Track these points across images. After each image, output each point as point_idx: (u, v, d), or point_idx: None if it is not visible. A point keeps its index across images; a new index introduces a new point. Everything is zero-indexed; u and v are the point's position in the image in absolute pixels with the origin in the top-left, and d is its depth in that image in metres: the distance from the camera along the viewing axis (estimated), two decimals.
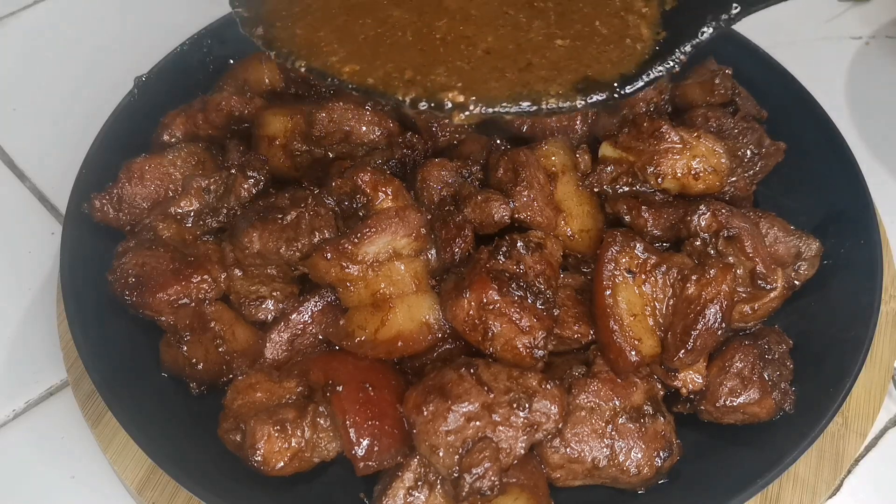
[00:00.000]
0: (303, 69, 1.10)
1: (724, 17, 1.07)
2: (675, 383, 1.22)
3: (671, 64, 1.07)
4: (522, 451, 1.12)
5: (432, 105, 1.03)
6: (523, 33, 1.09)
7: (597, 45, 1.08)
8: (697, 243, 1.25)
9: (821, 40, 2.02)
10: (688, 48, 1.07)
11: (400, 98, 1.04)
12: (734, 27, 1.61)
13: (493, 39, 1.08)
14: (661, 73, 1.06)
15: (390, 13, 1.13)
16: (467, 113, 1.03)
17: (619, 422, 1.17)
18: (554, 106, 1.03)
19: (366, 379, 1.17)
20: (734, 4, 1.07)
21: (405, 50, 1.09)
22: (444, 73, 1.05)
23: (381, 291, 1.22)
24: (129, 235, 1.35)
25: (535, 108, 1.03)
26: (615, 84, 1.05)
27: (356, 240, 1.20)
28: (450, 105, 1.03)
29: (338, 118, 1.37)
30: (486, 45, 1.08)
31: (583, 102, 1.04)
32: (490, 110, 1.03)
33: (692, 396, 1.23)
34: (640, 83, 1.06)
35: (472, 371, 1.13)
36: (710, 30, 1.07)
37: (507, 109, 1.03)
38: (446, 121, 1.20)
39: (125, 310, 1.28)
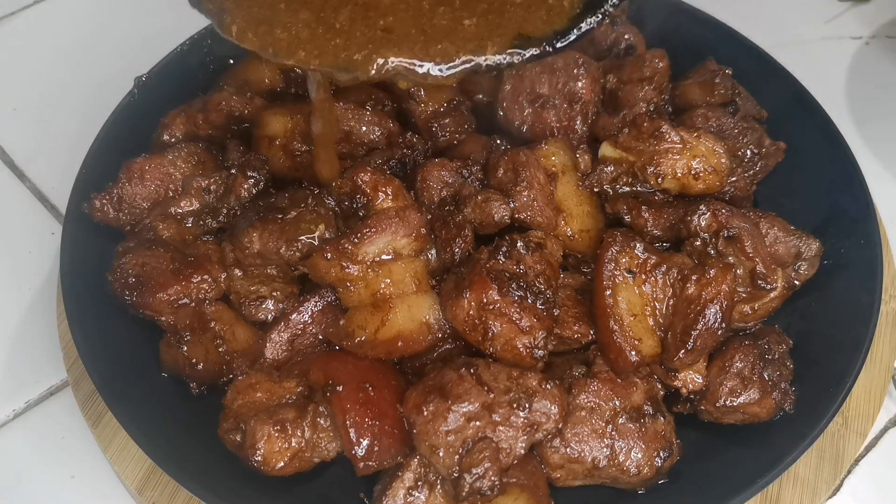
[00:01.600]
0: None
1: None
2: (675, 383, 1.22)
3: (600, 16, 1.10)
4: (522, 451, 1.12)
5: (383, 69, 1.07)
6: (426, 19, 1.10)
7: (513, 12, 1.11)
8: (697, 243, 1.25)
9: (821, 40, 2.02)
10: (616, 0, 1.11)
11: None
12: (734, 27, 1.62)
13: (394, 20, 1.10)
14: (591, 26, 1.10)
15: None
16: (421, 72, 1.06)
17: (619, 422, 1.17)
18: (492, 62, 1.07)
19: (366, 379, 1.17)
20: None
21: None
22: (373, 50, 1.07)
23: (382, 291, 1.22)
24: (129, 235, 1.35)
25: (473, 64, 1.07)
26: (546, 40, 1.09)
27: (356, 240, 1.20)
28: (392, 63, 1.06)
29: (338, 118, 1.37)
30: (385, 24, 1.09)
31: (520, 57, 1.08)
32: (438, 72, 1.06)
33: (692, 396, 1.23)
34: (573, 36, 1.10)
35: (472, 371, 1.13)
36: None
37: (454, 70, 1.07)
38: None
39: (125, 310, 1.28)
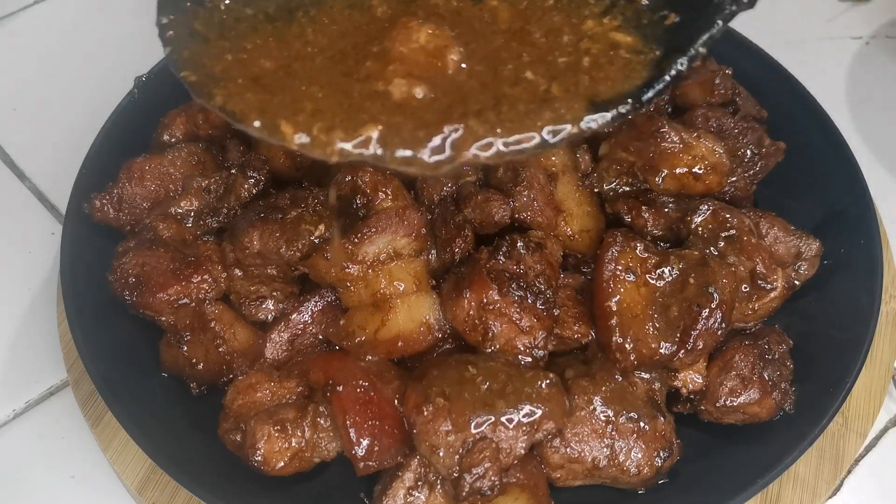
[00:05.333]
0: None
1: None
2: (675, 383, 1.22)
3: (694, 53, 0.97)
4: (522, 451, 1.12)
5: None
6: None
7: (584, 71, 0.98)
8: (698, 243, 1.25)
9: (821, 40, 2.02)
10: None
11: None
12: (734, 27, 1.62)
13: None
14: (682, 68, 0.96)
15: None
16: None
17: (620, 422, 1.17)
18: (576, 130, 0.93)
19: (366, 379, 1.17)
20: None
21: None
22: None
23: (382, 291, 1.22)
24: (129, 235, 1.35)
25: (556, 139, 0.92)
26: (630, 95, 0.94)
27: (356, 240, 1.20)
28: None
29: None
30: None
31: (605, 118, 0.93)
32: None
33: (692, 396, 1.23)
34: (661, 85, 0.95)
35: None
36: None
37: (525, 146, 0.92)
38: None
39: (125, 310, 1.28)
